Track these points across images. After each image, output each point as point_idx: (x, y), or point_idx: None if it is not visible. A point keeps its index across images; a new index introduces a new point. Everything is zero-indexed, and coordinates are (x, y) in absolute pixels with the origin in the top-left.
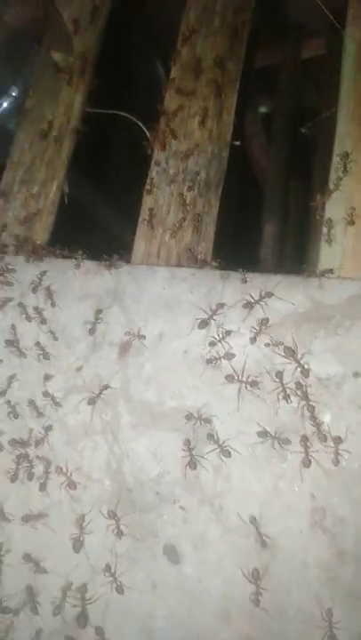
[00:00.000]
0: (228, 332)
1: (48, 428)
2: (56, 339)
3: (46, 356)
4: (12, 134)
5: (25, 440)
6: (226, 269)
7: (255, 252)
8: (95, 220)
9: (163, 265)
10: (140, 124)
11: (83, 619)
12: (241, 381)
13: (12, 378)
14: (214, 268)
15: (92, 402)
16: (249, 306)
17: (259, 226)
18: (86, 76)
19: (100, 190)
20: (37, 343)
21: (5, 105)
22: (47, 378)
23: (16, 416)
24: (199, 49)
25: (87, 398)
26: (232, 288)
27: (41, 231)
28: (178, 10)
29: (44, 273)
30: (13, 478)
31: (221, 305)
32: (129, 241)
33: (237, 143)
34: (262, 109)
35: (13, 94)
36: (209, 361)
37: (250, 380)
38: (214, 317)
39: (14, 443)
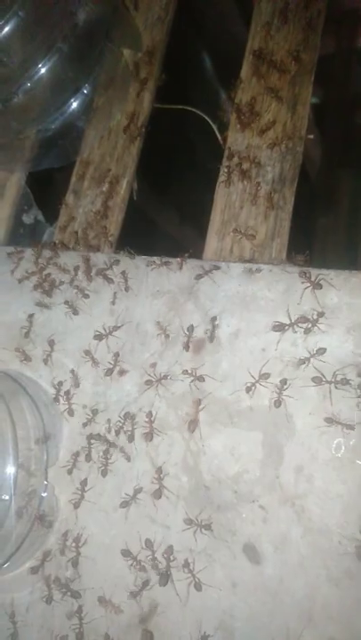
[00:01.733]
0: (308, 330)
1: (126, 416)
2: (130, 335)
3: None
4: (82, 132)
5: (102, 435)
6: (303, 266)
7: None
8: (162, 219)
9: (236, 261)
10: (209, 119)
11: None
12: (329, 382)
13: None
14: (293, 265)
15: (165, 397)
16: (331, 307)
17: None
18: (155, 72)
19: (168, 189)
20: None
21: (76, 103)
22: (122, 373)
23: (95, 412)
24: (272, 40)
25: (162, 394)
26: (310, 287)
27: (112, 228)
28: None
29: (120, 269)
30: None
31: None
32: (198, 240)
33: (311, 137)
34: (312, 100)
35: (85, 92)
36: (289, 360)
37: (337, 378)
38: (297, 324)
39: (96, 437)
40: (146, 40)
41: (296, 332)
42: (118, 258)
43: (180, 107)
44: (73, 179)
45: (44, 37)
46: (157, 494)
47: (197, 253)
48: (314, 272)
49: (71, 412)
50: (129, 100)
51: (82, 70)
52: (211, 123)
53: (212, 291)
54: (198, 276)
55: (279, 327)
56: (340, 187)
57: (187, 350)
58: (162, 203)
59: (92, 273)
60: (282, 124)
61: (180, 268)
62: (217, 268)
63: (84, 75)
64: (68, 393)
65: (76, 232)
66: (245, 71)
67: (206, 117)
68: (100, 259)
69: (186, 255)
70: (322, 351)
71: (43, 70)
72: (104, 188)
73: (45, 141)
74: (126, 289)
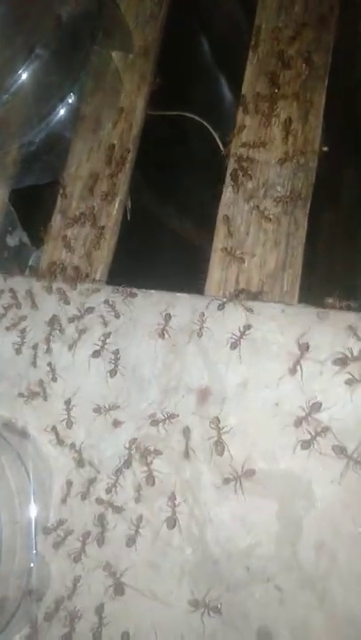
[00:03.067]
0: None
1: (117, 477)
2: (125, 380)
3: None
4: (69, 145)
5: (98, 497)
6: (321, 306)
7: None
8: (163, 239)
9: (242, 297)
10: (210, 127)
11: None
12: (349, 457)
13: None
14: (308, 305)
15: (166, 455)
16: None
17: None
18: (148, 75)
19: (168, 203)
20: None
21: (62, 114)
22: (116, 424)
23: (82, 464)
24: (280, 40)
25: (162, 449)
26: (332, 332)
27: (104, 255)
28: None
29: (113, 304)
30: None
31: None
32: (203, 262)
33: (326, 149)
34: None
35: (70, 101)
36: (305, 419)
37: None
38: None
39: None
40: (138, 39)
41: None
42: (110, 290)
43: (177, 113)
44: (59, 197)
45: (23, 41)
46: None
47: (202, 268)
48: (340, 315)
49: (61, 468)
50: (119, 108)
51: (66, 77)
52: (212, 131)
53: (217, 331)
54: (201, 315)
55: (342, 362)
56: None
57: (190, 400)
58: (168, 212)
59: (83, 308)
60: (292, 135)
61: (183, 305)
62: (221, 307)
63: (68, 82)
64: (61, 442)
65: (61, 263)
66: (249, 76)
67: (206, 124)
68: (90, 291)
69: (186, 289)
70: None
71: (23, 78)
72: (95, 209)
73: (28, 156)
74: (118, 328)
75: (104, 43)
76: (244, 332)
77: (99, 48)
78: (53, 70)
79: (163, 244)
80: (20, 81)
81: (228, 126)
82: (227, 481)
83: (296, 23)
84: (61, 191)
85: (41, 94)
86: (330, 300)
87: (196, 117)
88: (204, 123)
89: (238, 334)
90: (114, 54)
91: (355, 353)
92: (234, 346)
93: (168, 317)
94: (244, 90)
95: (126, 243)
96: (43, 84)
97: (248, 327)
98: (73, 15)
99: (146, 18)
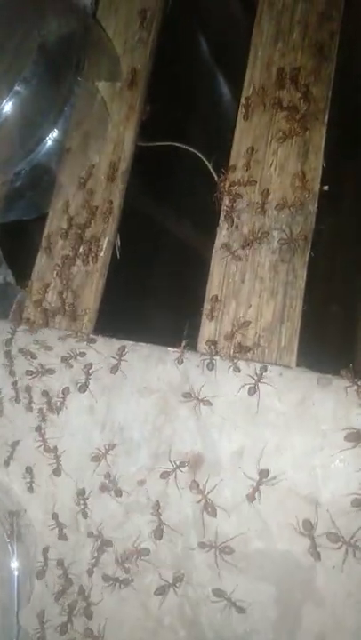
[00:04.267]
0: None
1: (101, 552)
2: (113, 442)
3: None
4: (54, 179)
5: (70, 564)
6: (323, 372)
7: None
8: (154, 284)
9: (237, 354)
10: (203, 157)
11: None
12: (348, 544)
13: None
14: (308, 370)
15: (158, 528)
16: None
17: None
18: (137, 104)
19: (160, 243)
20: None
21: (46, 149)
22: (104, 488)
23: (63, 537)
24: (275, 70)
25: (151, 521)
26: (334, 400)
27: (90, 300)
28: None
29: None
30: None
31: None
32: (197, 311)
33: (326, 188)
34: None
35: (55, 134)
36: (307, 496)
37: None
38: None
39: (61, 565)
40: (126, 66)
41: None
42: (97, 340)
43: (169, 143)
44: (45, 235)
45: (2, 73)
46: None
47: (196, 319)
48: (343, 383)
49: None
50: (107, 141)
51: (49, 111)
52: (207, 163)
53: (210, 393)
54: (195, 376)
55: (355, 437)
56: None
57: (181, 468)
58: (160, 253)
59: (69, 359)
60: (290, 176)
61: (175, 362)
62: (211, 366)
63: (51, 116)
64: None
65: (46, 309)
66: (243, 109)
67: (200, 155)
68: (72, 342)
69: (180, 345)
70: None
71: (4, 113)
72: (80, 249)
73: (11, 193)
74: (105, 384)
75: (90, 72)
76: (238, 395)
77: (83, 80)
78: (35, 106)
79: (154, 290)
80: (1, 117)
81: (222, 158)
82: (221, 558)
83: (293, 51)
84: (47, 228)
85: (24, 129)
86: (342, 372)
87: (190, 149)
88: (199, 154)
89: (232, 398)
90: (100, 84)
91: (357, 426)
92: (227, 409)
93: (160, 375)
94: (238, 126)
95: (115, 287)
96: (25, 120)
97: (242, 389)
98: (56, 41)
99: (134, 43)
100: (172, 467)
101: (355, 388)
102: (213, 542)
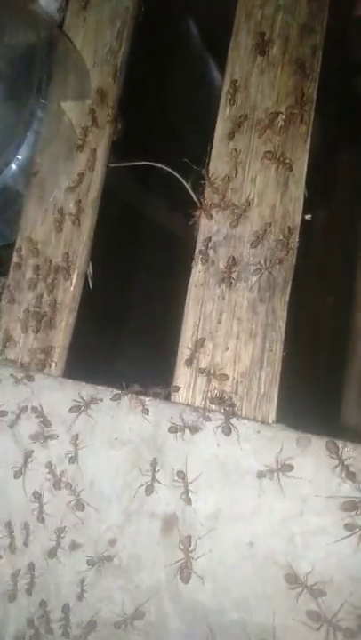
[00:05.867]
0: (321, 529)
1: (67, 610)
2: (81, 498)
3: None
4: (21, 208)
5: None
6: (301, 429)
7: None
8: (127, 323)
9: (213, 406)
10: (183, 179)
11: None
12: (330, 623)
13: (27, 541)
14: (287, 427)
15: (128, 591)
16: (352, 506)
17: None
18: (107, 125)
19: (133, 277)
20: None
21: (9, 177)
22: (74, 546)
23: (30, 592)
24: (253, 91)
25: (123, 585)
26: (314, 463)
27: (59, 339)
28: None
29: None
30: None
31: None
32: (172, 354)
33: (308, 217)
34: None
35: (20, 158)
36: (284, 566)
37: (342, 624)
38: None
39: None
40: (95, 81)
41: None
42: (65, 384)
43: (144, 163)
44: (11, 266)
45: None
46: None
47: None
48: (323, 443)
49: (12, 597)
50: (75, 164)
51: (7, 139)
52: (186, 185)
53: (184, 449)
54: (169, 428)
55: (350, 506)
56: None
57: (154, 528)
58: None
59: (33, 404)
60: (269, 207)
61: (146, 415)
62: (190, 426)
63: (12, 144)
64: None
65: (14, 345)
66: (220, 133)
67: (178, 175)
68: (40, 385)
69: (152, 392)
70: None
71: None
72: (49, 281)
73: None
74: (76, 431)
75: (55, 92)
76: (214, 452)
77: (48, 102)
78: None
79: (127, 330)
80: None
81: (197, 182)
82: (196, 627)
83: (272, 69)
84: (15, 258)
85: None
86: (326, 444)
87: (167, 168)
88: (178, 175)
89: (207, 454)
90: (67, 103)
91: (341, 492)
92: (202, 466)
93: (131, 426)
94: (214, 151)
95: (86, 324)
96: None
97: (218, 445)
98: (13, 62)
99: (104, 55)
100: (144, 525)
101: (337, 462)
102: (190, 610)
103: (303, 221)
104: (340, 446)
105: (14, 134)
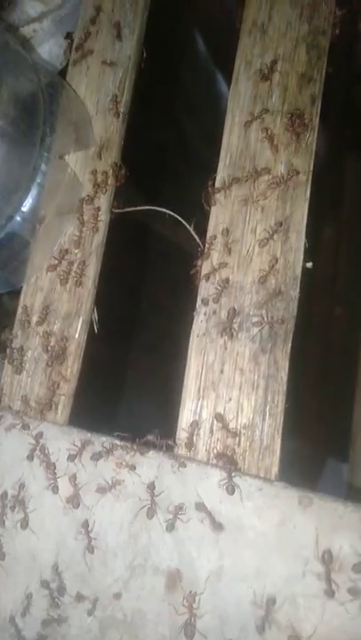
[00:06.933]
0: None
1: None
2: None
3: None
4: (27, 257)
5: None
6: (304, 487)
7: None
8: (130, 371)
9: (215, 460)
10: (187, 224)
11: None
12: None
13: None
14: (289, 485)
15: None
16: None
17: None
18: (111, 173)
19: (138, 326)
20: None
21: (16, 226)
22: (79, 598)
23: None
24: (253, 138)
25: None
26: (316, 524)
27: (64, 389)
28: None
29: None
30: None
31: None
32: (175, 404)
33: (309, 265)
34: None
35: (25, 210)
36: (287, 626)
37: None
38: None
39: None
40: (98, 129)
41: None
42: (70, 433)
43: (148, 207)
44: (18, 311)
45: None
46: None
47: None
48: (325, 504)
49: None
50: (80, 211)
51: (9, 195)
52: (191, 230)
53: (186, 502)
54: (171, 482)
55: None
56: None
57: (157, 584)
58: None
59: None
60: (269, 257)
61: (149, 464)
62: (183, 465)
63: (14, 199)
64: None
65: (20, 393)
66: (220, 181)
67: (182, 220)
68: (43, 433)
69: (156, 442)
70: None
71: None
72: (55, 328)
73: None
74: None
75: (58, 144)
76: (216, 508)
77: (51, 156)
78: None
79: (130, 379)
80: None
81: (201, 225)
82: None
83: (273, 118)
84: (21, 305)
85: None
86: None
87: (171, 213)
88: (181, 220)
89: (210, 510)
90: (69, 153)
91: (341, 556)
92: (205, 525)
93: (135, 478)
94: (215, 200)
95: (91, 370)
96: None
97: (220, 502)
98: (15, 120)
99: (106, 103)
100: (148, 580)
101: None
102: None
103: (304, 270)
104: (343, 507)
105: (18, 189)
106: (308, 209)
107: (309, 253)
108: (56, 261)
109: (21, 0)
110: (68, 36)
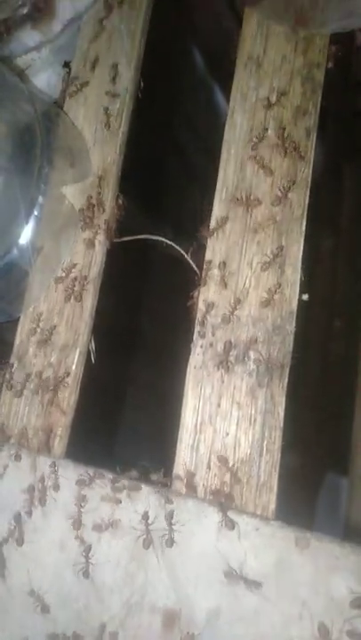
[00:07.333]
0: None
1: None
2: (82, 583)
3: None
4: (25, 288)
5: None
6: (300, 526)
7: None
8: (126, 405)
9: (212, 498)
10: (185, 253)
11: None
12: None
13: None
14: (285, 525)
15: None
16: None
17: None
18: (108, 204)
19: (133, 360)
20: None
21: (15, 253)
22: (76, 637)
23: None
24: (248, 172)
25: None
26: (313, 565)
27: (61, 421)
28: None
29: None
30: None
31: None
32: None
33: (305, 297)
34: None
35: (22, 242)
36: None
37: None
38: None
39: None
40: (96, 159)
41: None
42: (66, 466)
43: (145, 236)
44: (17, 341)
45: None
46: None
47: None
48: (321, 545)
49: None
50: (78, 242)
51: (6, 229)
52: (189, 259)
53: (183, 542)
54: (168, 519)
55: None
56: None
57: (154, 623)
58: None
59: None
60: (265, 290)
61: (147, 499)
62: (190, 518)
63: (12, 232)
64: None
65: (18, 425)
66: (217, 214)
67: (179, 248)
68: (39, 466)
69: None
70: None
71: None
72: (52, 359)
73: None
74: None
75: (55, 176)
76: (213, 547)
77: (48, 188)
78: None
79: (126, 413)
80: None
81: (200, 253)
82: None
83: (269, 150)
84: (18, 335)
85: None
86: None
87: (170, 242)
88: (180, 249)
89: (207, 548)
90: (67, 186)
91: (341, 596)
92: (201, 562)
93: (132, 515)
94: (211, 233)
95: (88, 401)
96: None
97: (218, 541)
98: (13, 155)
99: (103, 135)
100: (145, 619)
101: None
102: None
103: (300, 302)
104: (340, 548)
105: (16, 221)
106: (305, 241)
107: (306, 286)
108: (54, 292)
109: (19, 30)
110: (67, 64)
